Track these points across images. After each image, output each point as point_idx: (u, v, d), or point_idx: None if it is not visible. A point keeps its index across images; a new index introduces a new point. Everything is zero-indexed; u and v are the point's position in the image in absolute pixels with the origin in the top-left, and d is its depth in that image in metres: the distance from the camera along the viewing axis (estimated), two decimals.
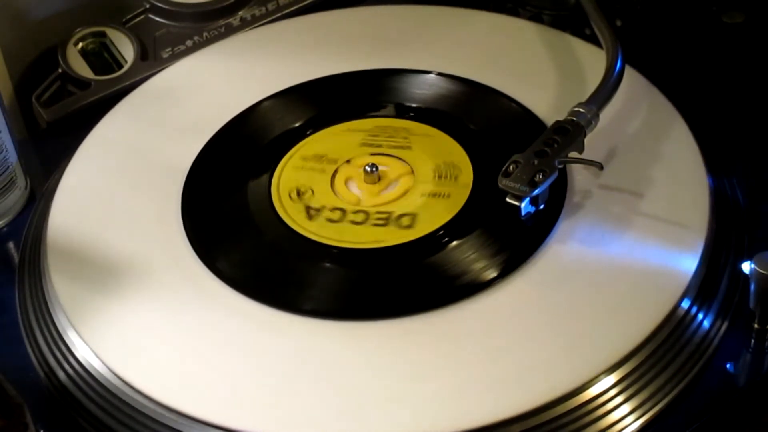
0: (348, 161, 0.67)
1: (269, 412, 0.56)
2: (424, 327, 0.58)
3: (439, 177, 0.65)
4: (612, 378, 0.56)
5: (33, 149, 0.75)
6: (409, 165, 0.66)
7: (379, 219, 0.63)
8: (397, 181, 0.66)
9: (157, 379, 0.57)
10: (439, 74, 0.71)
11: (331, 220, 0.64)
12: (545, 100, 0.69)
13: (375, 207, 0.64)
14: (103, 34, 0.78)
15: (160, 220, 0.65)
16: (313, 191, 0.65)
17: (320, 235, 0.63)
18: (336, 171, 0.66)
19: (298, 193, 0.65)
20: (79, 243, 0.64)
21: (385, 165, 0.66)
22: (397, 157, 0.67)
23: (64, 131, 0.74)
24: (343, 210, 0.64)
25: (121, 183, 0.68)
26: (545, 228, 0.61)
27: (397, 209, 0.64)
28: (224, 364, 0.58)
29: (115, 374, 0.58)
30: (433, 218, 0.63)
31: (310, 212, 0.64)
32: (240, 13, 0.79)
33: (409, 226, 0.63)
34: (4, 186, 0.68)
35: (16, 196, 0.69)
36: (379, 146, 0.67)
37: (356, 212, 0.64)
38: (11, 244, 0.68)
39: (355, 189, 0.66)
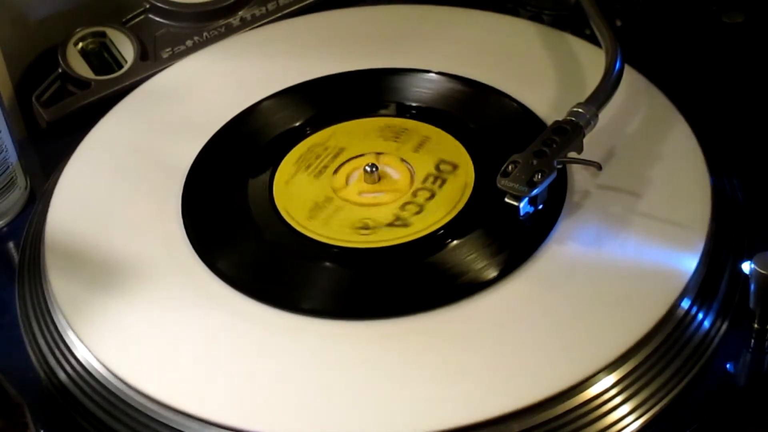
0: (379, 153, 0.67)
1: (269, 411, 0.56)
2: (423, 326, 0.58)
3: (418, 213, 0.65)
4: (612, 377, 0.56)
5: (33, 149, 0.75)
6: (410, 185, 0.66)
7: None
8: (384, 193, 0.65)
9: (156, 378, 0.57)
10: (440, 74, 0.71)
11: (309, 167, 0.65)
12: (545, 100, 0.69)
13: (340, 198, 0.65)
14: (103, 34, 0.78)
15: (160, 219, 0.65)
16: (337, 154, 0.67)
17: (317, 232, 0.63)
18: (348, 160, 0.67)
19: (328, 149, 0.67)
20: (79, 243, 0.64)
21: (398, 173, 0.66)
22: (407, 163, 0.67)
23: (64, 131, 0.74)
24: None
25: (121, 183, 0.68)
26: (545, 228, 0.61)
27: (361, 214, 0.64)
28: (224, 364, 0.58)
29: (115, 374, 0.58)
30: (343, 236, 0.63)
31: (308, 159, 0.66)
32: (240, 13, 0.79)
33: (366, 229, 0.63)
34: (4, 186, 0.68)
35: (16, 196, 0.69)
36: (397, 148, 0.67)
37: (327, 199, 0.65)
38: (11, 244, 0.68)
39: (351, 180, 0.66)
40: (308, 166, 0.67)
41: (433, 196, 0.64)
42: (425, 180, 0.65)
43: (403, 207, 0.64)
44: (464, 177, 0.65)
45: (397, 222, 0.63)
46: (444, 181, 0.65)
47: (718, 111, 0.70)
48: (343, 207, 0.64)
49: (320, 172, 0.67)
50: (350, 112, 0.70)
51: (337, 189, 0.66)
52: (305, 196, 0.65)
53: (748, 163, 0.67)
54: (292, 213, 0.64)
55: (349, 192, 0.65)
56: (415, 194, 0.65)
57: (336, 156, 0.67)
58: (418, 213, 0.63)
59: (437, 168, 0.66)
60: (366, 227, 0.63)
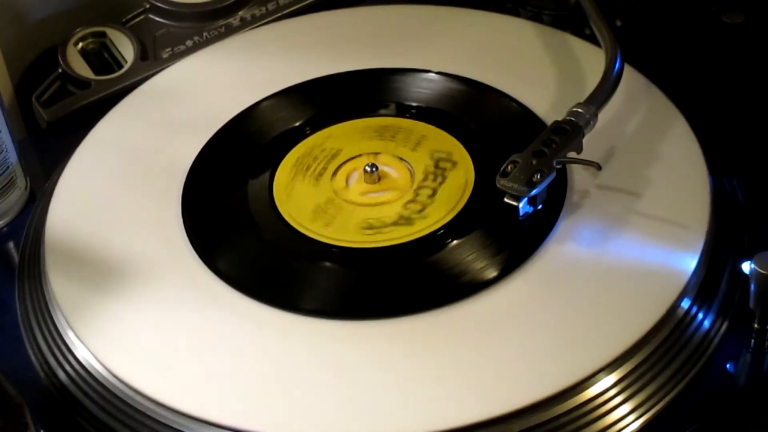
0: (354, 158, 0.67)
1: (269, 412, 0.56)
2: (423, 326, 0.58)
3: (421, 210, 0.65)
4: (612, 377, 0.56)
5: (33, 149, 0.75)
6: (410, 174, 0.66)
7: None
8: (387, 191, 0.65)
9: (156, 378, 0.57)
10: (439, 73, 0.71)
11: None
12: (545, 100, 0.69)
13: (344, 201, 0.65)
14: (103, 34, 0.78)
15: (160, 219, 0.65)
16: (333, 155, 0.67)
17: (317, 233, 0.63)
18: (346, 161, 0.67)
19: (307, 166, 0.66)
20: (79, 243, 0.64)
21: (397, 172, 0.66)
22: (405, 162, 0.67)
23: (64, 131, 0.74)
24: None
25: (121, 183, 0.68)
26: (545, 228, 0.61)
27: (364, 214, 0.64)
28: (224, 364, 0.58)
29: (115, 374, 0.58)
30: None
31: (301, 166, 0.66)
32: (240, 13, 0.79)
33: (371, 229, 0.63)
34: (4, 186, 0.68)
35: (16, 196, 0.69)
36: (395, 147, 0.67)
37: (329, 201, 0.65)
38: (11, 244, 0.68)
39: (351, 181, 0.66)
40: (307, 168, 0.67)
41: (433, 194, 0.64)
42: (425, 179, 0.65)
43: (406, 205, 0.64)
44: (464, 177, 0.65)
45: (401, 221, 0.63)
46: (444, 181, 0.65)
47: (718, 111, 0.70)
48: (346, 208, 0.64)
49: (320, 174, 0.67)
50: (350, 112, 0.70)
51: (338, 190, 0.65)
52: (306, 199, 0.65)
53: (748, 163, 0.67)
54: (293, 214, 0.64)
55: (351, 193, 0.65)
56: (417, 192, 0.65)
57: (334, 157, 0.67)
58: (421, 211, 0.63)
59: (437, 167, 0.66)
60: (371, 227, 0.63)
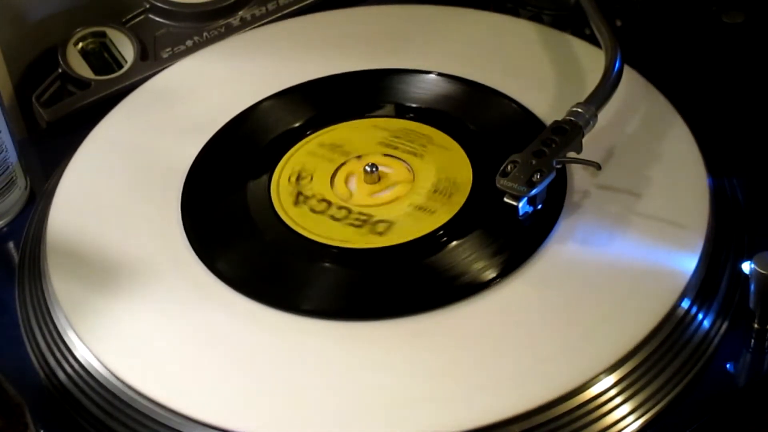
0: (359, 157, 0.67)
1: (268, 413, 0.56)
2: (423, 327, 0.58)
3: (435, 191, 0.64)
4: (612, 378, 0.56)
5: (33, 149, 0.75)
6: (412, 172, 0.66)
7: (357, 220, 0.63)
8: (394, 186, 0.65)
9: (156, 379, 0.57)
10: (439, 74, 0.71)
11: (313, 210, 0.64)
12: (545, 100, 0.69)
13: (359, 207, 0.64)
14: (103, 34, 0.78)
15: (159, 220, 0.65)
16: (312, 178, 0.66)
17: (306, 228, 0.63)
18: (343, 164, 0.67)
19: (298, 177, 0.66)
20: (79, 243, 0.64)
21: (390, 167, 0.66)
22: (405, 162, 0.66)
23: (64, 131, 0.74)
24: (328, 202, 0.64)
25: (121, 183, 0.68)
26: (545, 228, 0.61)
27: (378, 214, 0.64)
28: (223, 364, 0.58)
29: (115, 375, 0.58)
30: (410, 230, 0.62)
31: (299, 198, 0.65)
32: (240, 13, 0.79)
33: (382, 234, 0.62)
34: (4, 186, 0.68)
35: (16, 196, 0.69)
36: (396, 148, 0.67)
37: (340, 208, 0.64)
38: (11, 244, 0.68)
39: (352, 185, 0.66)
40: (318, 152, 0.67)
41: (433, 194, 0.64)
42: (424, 179, 0.65)
43: (405, 205, 0.64)
44: (464, 177, 0.65)
45: (400, 221, 0.63)
46: (443, 181, 0.65)
47: (718, 111, 0.70)
48: (345, 207, 0.64)
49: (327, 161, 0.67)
50: (349, 113, 0.70)
51: (345, 198, 0.65)
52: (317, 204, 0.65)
53: (747, 163, 0.67)
54: (289, 211, 0.64)
55: (360, 197, 0.65)
56: (416, 192, 0.65)
57: (333, 156, 0.68)
58: (421, 211, 0.63)
59: (436, 167, 0.66)
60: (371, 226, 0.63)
